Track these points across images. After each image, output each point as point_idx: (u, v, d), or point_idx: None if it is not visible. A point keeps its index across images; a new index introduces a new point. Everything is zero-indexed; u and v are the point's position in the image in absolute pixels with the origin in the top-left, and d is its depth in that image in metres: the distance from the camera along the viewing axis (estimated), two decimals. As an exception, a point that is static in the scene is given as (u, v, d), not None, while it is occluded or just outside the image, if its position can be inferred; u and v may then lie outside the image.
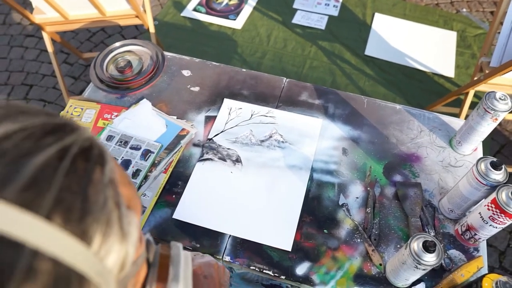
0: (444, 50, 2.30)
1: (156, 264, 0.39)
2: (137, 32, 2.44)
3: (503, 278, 0.69)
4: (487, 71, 1.46)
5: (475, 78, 1.51)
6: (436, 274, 0.86)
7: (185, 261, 0.41)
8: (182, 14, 2.49)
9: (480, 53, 1.53)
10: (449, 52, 2.28)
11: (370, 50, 2.29)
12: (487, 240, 0.89)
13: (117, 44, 1.25)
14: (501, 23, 1.49)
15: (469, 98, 1.57)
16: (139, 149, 1.02)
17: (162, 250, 0.42)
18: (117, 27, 2.45)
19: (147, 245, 0.39)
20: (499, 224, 0.79)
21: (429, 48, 2.31)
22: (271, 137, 1.07)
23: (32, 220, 0.23)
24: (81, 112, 1.11)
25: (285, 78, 1.20)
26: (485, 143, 1.88)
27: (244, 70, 1.22)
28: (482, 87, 1.50)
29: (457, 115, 1.73)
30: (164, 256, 0.41)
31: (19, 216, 0.22)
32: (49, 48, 1.81)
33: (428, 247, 0.71)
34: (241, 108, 1.13)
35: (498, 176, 0.79)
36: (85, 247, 0.25)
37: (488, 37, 1.49)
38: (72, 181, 0.26)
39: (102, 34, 2.43)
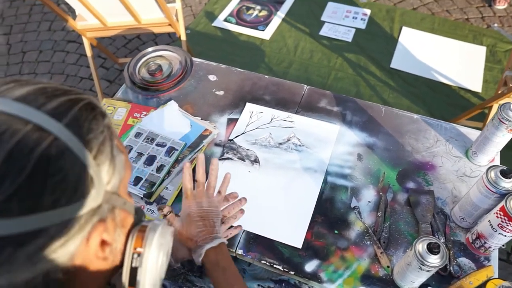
0: (472, 64, 2.28)
1: (140, 223, 0.52)
2: (169, 40, 2.56)
3: (507, 283, 0.70)
4: (511, 85, 1.45)
5: (500, 92, 1.50)
6: (444, 280, 0.87)
7: (163, 227, 0.53)
8: (213, 24, 2.60)
9: (505, 67, 1.52)
10: (477, 67, 2.26)
11: (396, 63, 2.30)
12: (509, 258, 0.88)
13: (150, 49, 1.35)
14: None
15: (493, 112, 1.55)
16: (164, 146, 1.10)
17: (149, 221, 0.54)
18: (151, 35, 2.58)
19: (137, 210, 0.51)
20: (508, 232, 0.80)
21: (457, 62, 2.29)
22: (289, 140, 1.12)
23: (57, 124, 0.38)
24: (113, 110, 1.20)
25: (305, 85, 1.25)
26: (510, 157, 1.84)
27: (267, 76, 1.28)
28: (506, 101, 1.49)
29: (480, 130, 1.71)
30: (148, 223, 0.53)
31: (49, 120, 0.38)
32: (88, 52, 1.94)
33: (432, 248, 0.73)
34: (262, 112, 1.19)
35: (508, 184, 0.80)
36: (87, 151, 0.39)
37: (514, 52, 1.48)
38: (82, 115, 0.40)
39: (137, 41, 2.57)
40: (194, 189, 0.87)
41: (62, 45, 2.58)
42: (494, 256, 0.91)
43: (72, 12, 2.50)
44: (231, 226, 0.91)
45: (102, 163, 0.41)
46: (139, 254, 0.49)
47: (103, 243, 0.43)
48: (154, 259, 0.50)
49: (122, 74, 2.39)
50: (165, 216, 0.83)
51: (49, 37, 2.64)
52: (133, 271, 0.49)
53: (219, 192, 0.89)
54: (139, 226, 0.51)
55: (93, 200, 0.39)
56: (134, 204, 0.51)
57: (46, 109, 0.38)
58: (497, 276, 0.88)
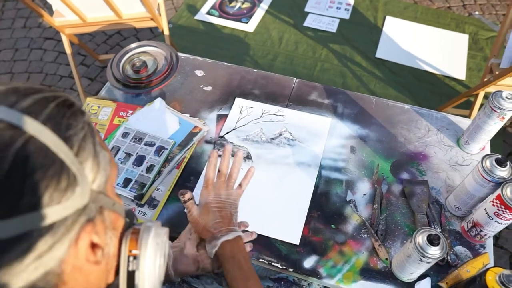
0: (456, 52, 2.30)
1: (132, 226, 0.51)
2: (151, 35, 2.50)
3: (507, 271, 0.71)
4: (497, 72, 1.46)
5: (485, 80, 1.52)
6: (442, 269, 0.88)
7: (156, 227, 0.51)
8: (195, 18, 2.55)
9: (490, 54, 1.53)
10: (460, 55, 2.28)
11: (381, 52, 2.30)
12: (498, 242, 0.89)
13: (133, 45, 1.30)
14: (512, 25, 1.49)
15: (479, 100, 1.57)
16: (153, 145, 1.06)
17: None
18: (133, 30, 2.52)
19: (128, 213, 0.50)
20: (504, 220, 0.80)
21: (440, 50, 2.31)
22: (281, 135, 1.10)
23: (33, 122, 0.36)
24: (98, 110, 1.16)
25: (295, 78, 1.23)
26: (496, 145, 1.88)
27: (255, 70, 1.26)
28: (492, 89, 1.51)
29: (467, 117, 1.73)
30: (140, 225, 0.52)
31: (23, 118, 0.35)
32: (67, 50, 1.87)
33: (432, 240, 0.73)
34: (252, 107, 1.16)
35: (503, 172, 0.80)
36: (67, 148, 0.37)
37: (499, 39, 1.50)
38: (59, 111, 0.39)
39: (118, 37, 2.50)
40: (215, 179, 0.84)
41: (39, 42, 2.49)
42: (489, 243, 0.91)
43: (48, 8, 2.41)
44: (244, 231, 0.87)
45: (85, 160, 0.39)
46: (135, 257, 0.47)
47: (94, 245, 0.41)
48: (151, 260, 0.48)
49: (103, 71, 2.33)
50: (185, 202, 0.80)
51: (24, 34, 2.54)
52: (131, 275, 0.47)
53: (239, 185, 0.85)
54: (131, 228, 0.50)
55: (78, 199, 0.37)
56: (124, 205, 0.49)
57: (20, 107, 0.36)
58: (493, 263, 0.88)
